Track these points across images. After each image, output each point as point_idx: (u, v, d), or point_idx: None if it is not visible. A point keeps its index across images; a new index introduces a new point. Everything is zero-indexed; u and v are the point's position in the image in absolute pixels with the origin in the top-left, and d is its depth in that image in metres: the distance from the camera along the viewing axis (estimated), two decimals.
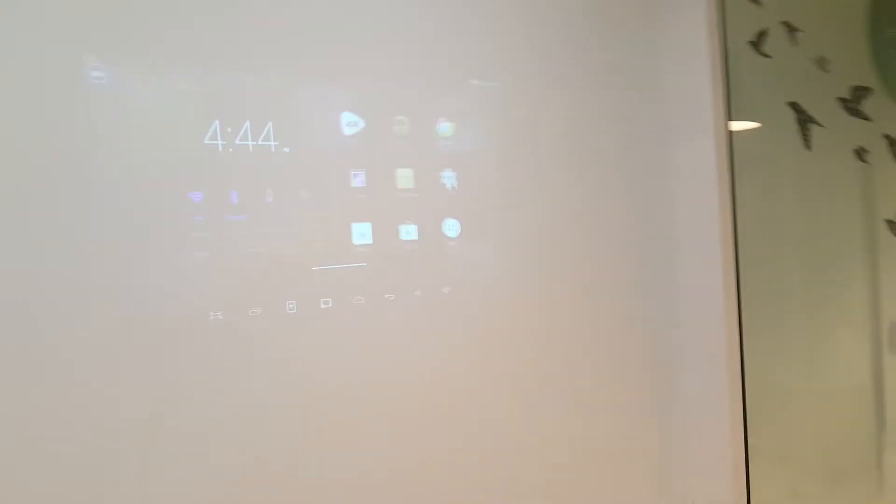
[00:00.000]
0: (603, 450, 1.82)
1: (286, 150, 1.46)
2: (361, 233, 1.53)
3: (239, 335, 1.37)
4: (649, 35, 1.88)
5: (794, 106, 2.00)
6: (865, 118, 2.06)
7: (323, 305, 1.45)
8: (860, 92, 2.06)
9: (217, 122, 1.40)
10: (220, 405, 1.37)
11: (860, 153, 2.09)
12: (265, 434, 1.41)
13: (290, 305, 1.42)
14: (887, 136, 2.12)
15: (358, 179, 1.53)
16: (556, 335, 1.75)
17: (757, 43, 1.95)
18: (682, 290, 1.90)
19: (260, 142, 1.44)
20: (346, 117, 1.52)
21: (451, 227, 1.64)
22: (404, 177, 1.58)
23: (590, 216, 1.80)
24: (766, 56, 1.95)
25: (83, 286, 1.27)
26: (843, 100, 2.06)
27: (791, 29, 1.98)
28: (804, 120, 2.00)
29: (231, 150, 1.41)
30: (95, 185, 1.29)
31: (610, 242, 1.83)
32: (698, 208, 1.84)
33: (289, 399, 1.43)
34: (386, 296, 1.52)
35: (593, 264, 1.80)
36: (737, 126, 1.92)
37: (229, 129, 1.41)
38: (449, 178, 1.63)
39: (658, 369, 1.90)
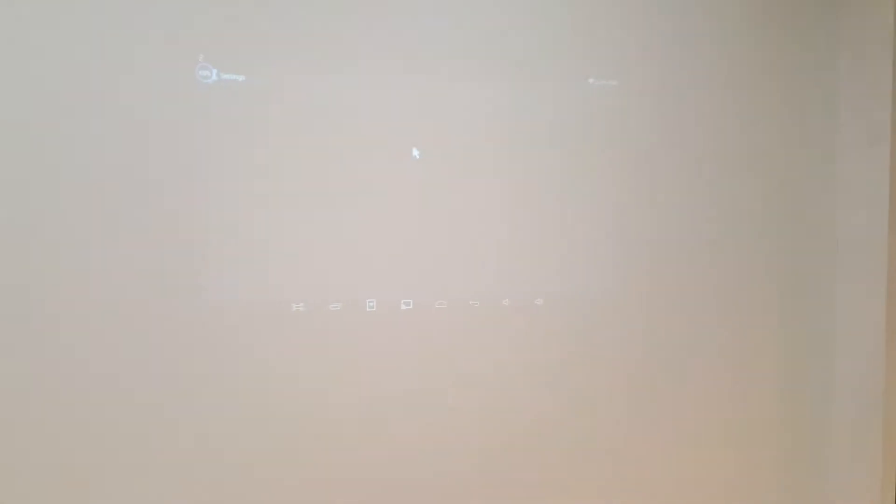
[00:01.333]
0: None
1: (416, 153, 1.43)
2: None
3: (317, 327, 1.45)
4: (824, 33, 1.68)
5: None
6: None
7: (403, 307, 1.45)
8: None
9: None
10: (297, 390, 1.48)
11: None
12: (334, 421, 1.52)
13: (370, 304, 1.43)
14: None
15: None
16: (686, 370, 1.68)
17: None
18: (838, 326, 1.76)
19: None
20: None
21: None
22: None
23: (734, 234, 1.65)
24: None
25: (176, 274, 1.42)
26: None
27: None
28: None
29: None
30: (195, 178, 1.39)
31: (757, 269, 1.67)
32: (864, 228, 1.66)
33: (359, 390, 1.52)
34: (470, 302, 1.49)
35: (733, 294, 1.67)
36: None
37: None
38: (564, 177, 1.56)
39: (804, 417, 1.78)
